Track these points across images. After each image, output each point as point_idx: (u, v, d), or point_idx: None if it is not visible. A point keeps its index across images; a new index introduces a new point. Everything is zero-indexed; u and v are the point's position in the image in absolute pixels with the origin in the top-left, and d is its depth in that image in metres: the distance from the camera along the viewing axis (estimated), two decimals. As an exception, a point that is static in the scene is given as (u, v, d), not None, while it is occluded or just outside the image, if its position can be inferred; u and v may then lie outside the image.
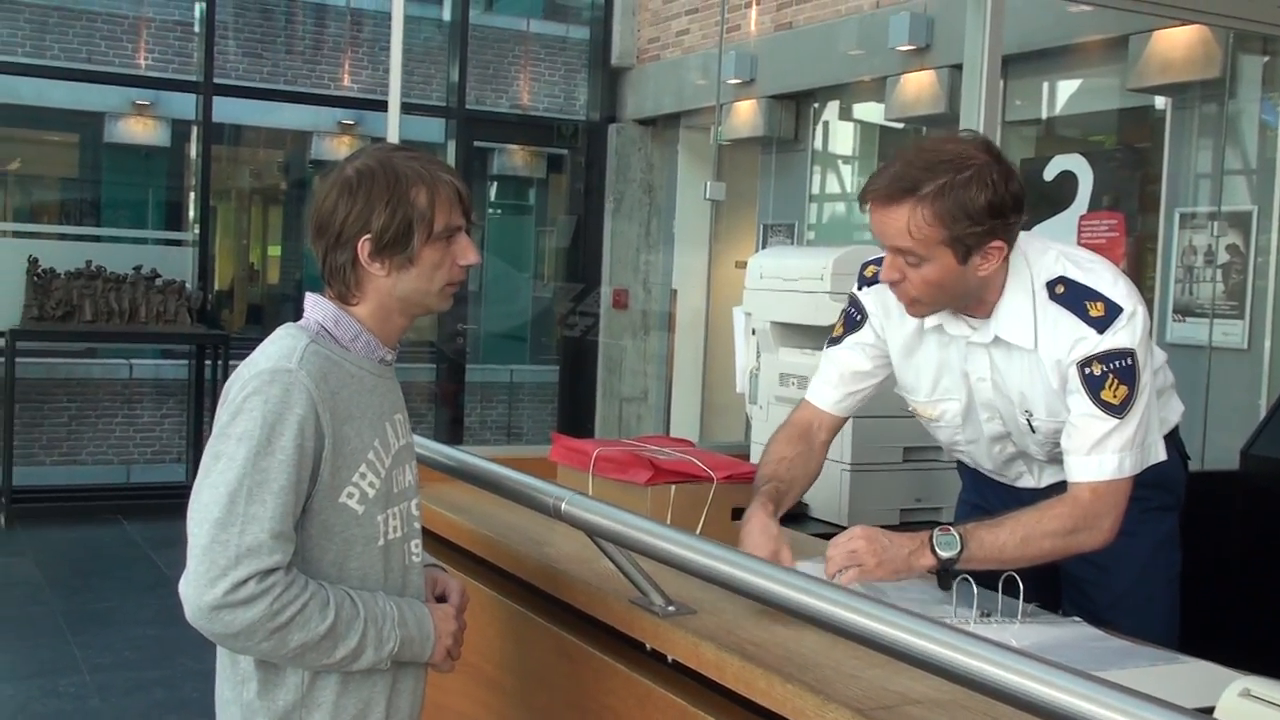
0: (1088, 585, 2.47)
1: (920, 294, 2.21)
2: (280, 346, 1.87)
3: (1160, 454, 2.30)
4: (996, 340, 2.29)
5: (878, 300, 2.44)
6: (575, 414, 9.34)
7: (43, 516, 7.82)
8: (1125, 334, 2.18)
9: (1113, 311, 2.19)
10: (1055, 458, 2.38)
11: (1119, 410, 2.18)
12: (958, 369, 2.37)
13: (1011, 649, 1.40)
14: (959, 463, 2.70)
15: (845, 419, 2.55)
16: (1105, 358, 2.17)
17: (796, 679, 1.74)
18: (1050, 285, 2.24)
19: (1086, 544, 2.20)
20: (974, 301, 2.27)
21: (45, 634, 5.54)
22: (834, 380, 2.51)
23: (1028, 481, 2.50)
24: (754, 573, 1.72)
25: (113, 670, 5.06)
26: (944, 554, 2.09)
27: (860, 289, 2.50)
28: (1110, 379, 2.17)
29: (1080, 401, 2.19)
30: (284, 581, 1.75)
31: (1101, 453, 2.18)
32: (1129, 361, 2.18)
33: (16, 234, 9.75)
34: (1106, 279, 2.24)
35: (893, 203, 2.13)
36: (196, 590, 1.74)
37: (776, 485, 2.36)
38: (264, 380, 1.81)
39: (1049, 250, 2.29)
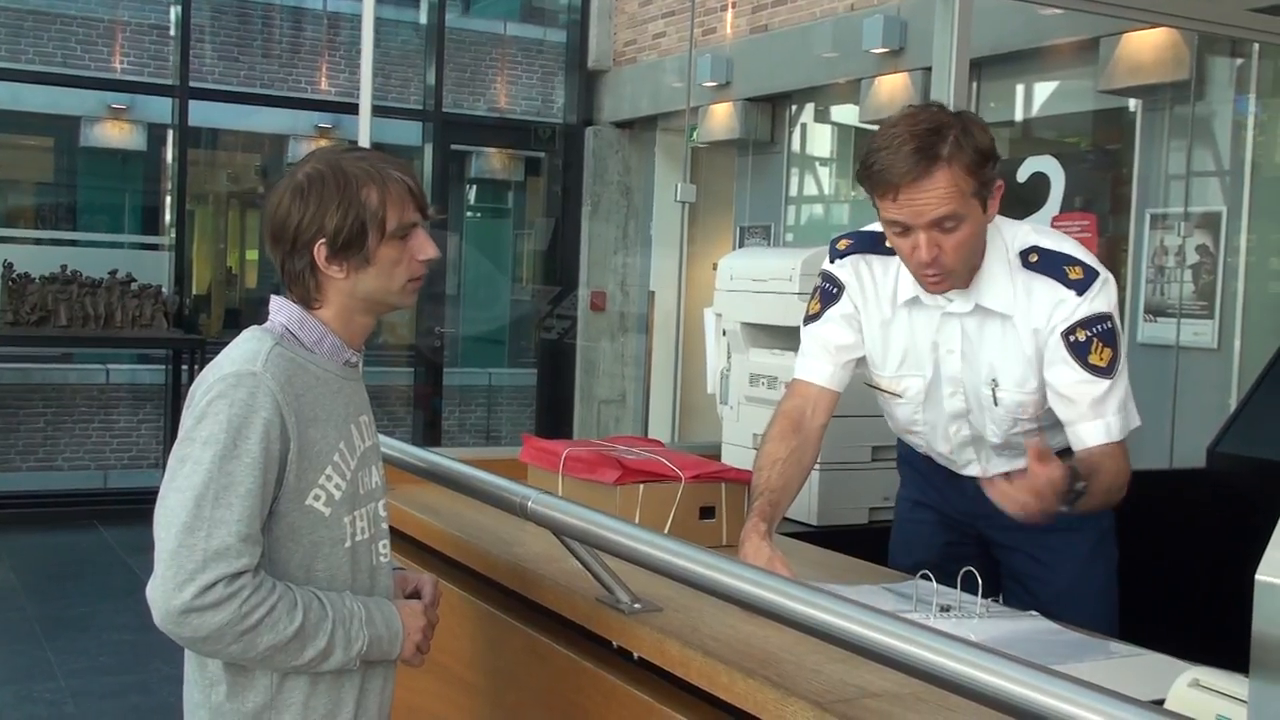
0: (1030, 580, 2.51)
1: (956, 261, 2.25)
2: (245, 350, 1.88)
3: (1137, 419, 2.37)
4: (976, 309, 2.33)
5: (852, 272, 2.47)
6: (553, 417, 9.35)
7: (19, 522, 7.80)
8: (1102, 298, 2.27)
9: (1090, 275, 2.27)
10: (1009, 443, 2.42)
11: (1107, 371, 2.26)
12: (927, 342, 2.40)
13: (970, 642, 1.42)
14: (900, 458, 2.73)
15: (838, 395, 2.52)
16: (1087, 323, 2.25)
17: (757, 674, 1.76)
18: (1024, 254, 2.31)
19: (1117, 500, 2.31)
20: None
21: (20, 640, 5.52)
22: (821, 355, 2.50)
23: (974, 470, 2.53)
24: (716, 569, 1.73)
25: (88, 676, 5.05)
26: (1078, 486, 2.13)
27: (833, 262, 2.51)
28: (1095, 343, 2.26)
29: (1068, 371, 2.27)
30: (252, 584, 1.76)
31: (1105, 415, 2.27)
32: (1109, 325, 2.27)
33: (-9, 239, 9.71)
34: (1079, 249, 2.34)
35: (927, 174, 2.17)
36: (164, 595, 1.75)
37: (770, 498, 2.36)
38: (229, 384, 1.82)
39: (1019, 225, 2.39)
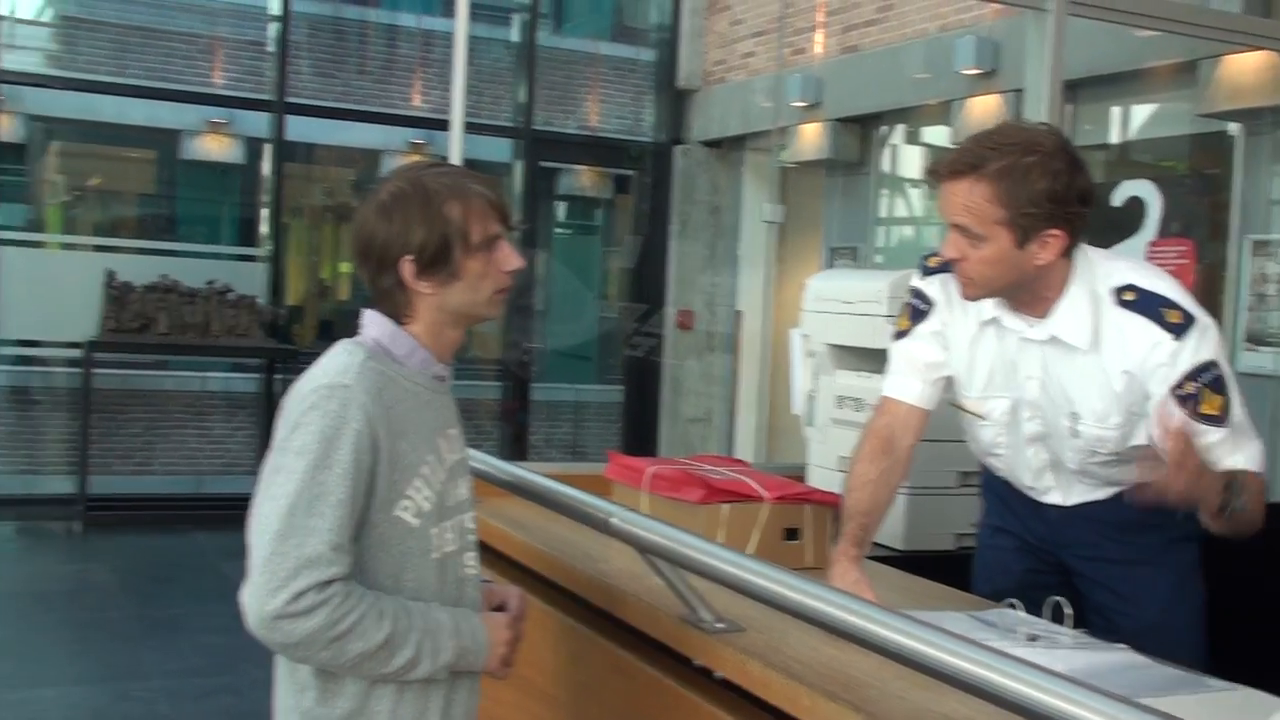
0: (1113, 614, 2.46)
1: (976, 275, 2.24)
2: (337, 362, 1.92)
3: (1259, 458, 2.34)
4: (1052, 339, 2.30)
5: (941, 290, 2.45)
6: (639, 434, 9.37)
7: (117, 525, 7.98)
8: (1205, 347, 2.23)
9: (1188, 320, 2.23)
10: (1086, 470, 2.39)
11: (1221, 420, 2.23)
12: (1011, 365, 2.38)
13: (1058, 674, 1.41)
14: (984, 484, 2.71)
15: (928, 414, 2.50)
16: (1194, 374, 2.22)
17: (840, 698, 1.76)
18: (1118, 291, 2.27)
19: (1258, 526, 2.26)
20: (1030, 296, 2.29)
21: (118, 639, 5.66)
22: (909, 372, 2.49)
23: (1055, 498, 2.49)
24: (802, 592, 1.74)
25: (181, 676, 5.16)
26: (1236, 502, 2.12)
27: (923, 278, 2.50)
28: (1204, 392, 2.22)
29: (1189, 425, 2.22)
30: (342, 592, 1.79)
31: (1233, 455, 2.24)
32: (1215, 373, 2.23)
33: (96, 248, 9.97)
34: (1177, 291, 2.28)
35: (955, 177, 2.19)
36: (258, 600, 1.79)
37: (861, 522, 2.35)
38: (321, 395, 1.86)
39: (1116, 260, 2.34)
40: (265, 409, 8.90)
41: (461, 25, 3.30)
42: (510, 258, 1.99)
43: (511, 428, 9.38)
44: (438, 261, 1.92)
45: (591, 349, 11.07)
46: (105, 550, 7.46)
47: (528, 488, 2.49)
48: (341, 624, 1.79)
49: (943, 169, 2.22)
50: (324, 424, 1.83)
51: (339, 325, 12.14)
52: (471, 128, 3.99)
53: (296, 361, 8.56)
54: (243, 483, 8.94)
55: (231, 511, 8.36)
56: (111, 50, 10.54)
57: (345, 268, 12.80)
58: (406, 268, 1.92)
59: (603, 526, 2.16)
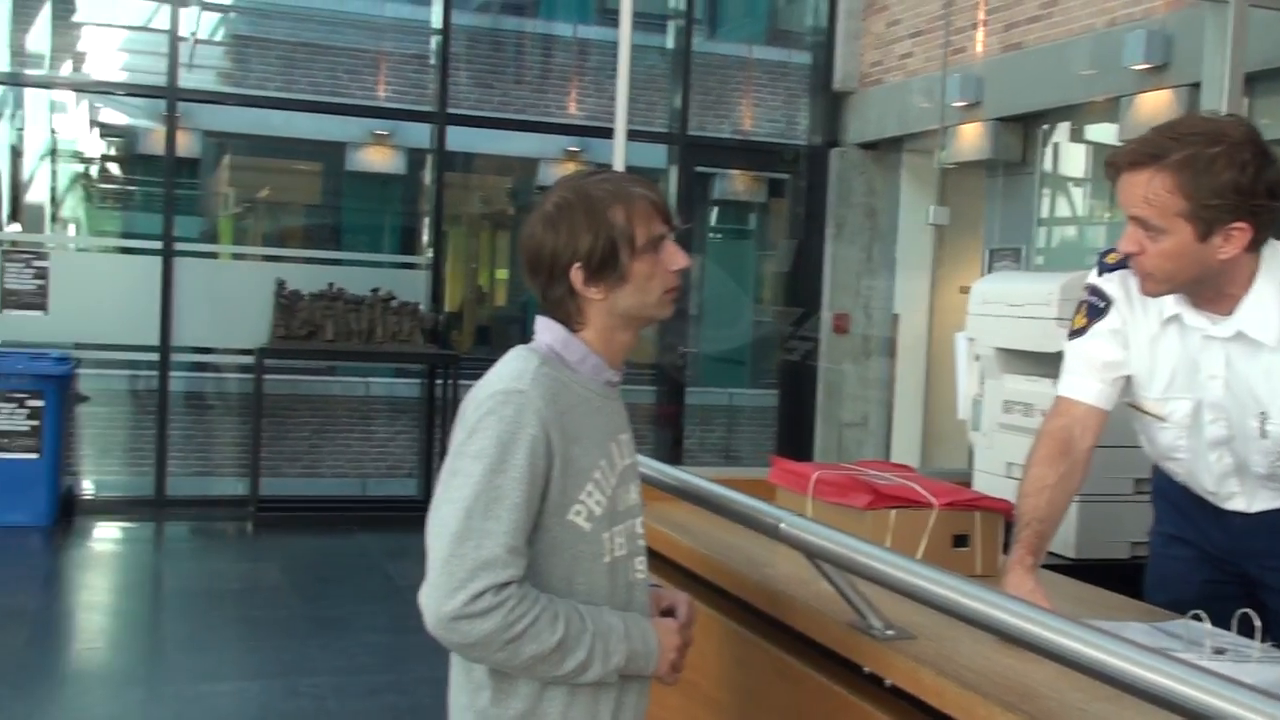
0: None
1: (1155, 269, 2.18)
2: (512, 368, 1.96)
3: None
4: (1238, 336, 2.22)
5: (1120, 286, 2.39)
6: (794, 438, 9.31)
7: (286, 525, 8.22)
8: None
9: None
10: (1275, 475, 2.29)
11: None
12: (1192, 365, 2.30)
13: (1249, 687, 1.36)
14: (1155, 490, 2.62)
15: (1107, 415, 2.42)
16: None
17: (1017, 708, 1.73)
18: None
19: None
20: (1214, 292, 2.21)
21: (288, 636, 5.84)
22: (1087, 371, 2.41)
23: (1238, 504, 2.40)
24: (980, 600, 1.71)
25: (349, 674, 5.30)
26: None
27: (1100, 275, 2.44)
28: None
29: None
30: (517, 595, 1.83)
31: None
32: None
33: (265, 258, 10.34)
34: None
35: (1136, 168, 2.13)
36: (436, 601, 1.82)
37: (1037, 529, 2.30)
38: (498, 401, 1.90)
39: None
40: (427, 413, 9.09)
41: (625, 33, 3.34)
42: (676, 257, 2.01)
43: (672, 431, 9.41)
44: (606, 266, 1.95)
45: (745, 353, 11.05)
46: (275, 550, 7.70)
47: (695, 493, 2.50)
48: (517, 626, 1.82)
49: (1122, 160, 2.17)
50: (500, 429, 1.87)
51: (495, 331, 12.37)
52: (628, 134, 4.03)
53: (457, 367, 8.73)
54: (405, 486, 9.22)
55: (394, 514, 8.66)
56: (281, 66, 10.93)
57: (502, 274, 13.04)
58: (576, 275, 1.95)
59: (771, 532, 2.16)
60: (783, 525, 2.13)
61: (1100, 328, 2.40)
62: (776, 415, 9.94)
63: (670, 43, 9.69)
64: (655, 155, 9.51)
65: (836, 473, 2.71)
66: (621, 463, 2.03)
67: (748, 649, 2.41)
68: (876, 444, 9.08)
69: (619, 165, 3.41)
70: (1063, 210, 7.92)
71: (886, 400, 9.16)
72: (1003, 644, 1.93)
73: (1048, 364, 3.04)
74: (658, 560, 2.75)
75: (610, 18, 12.23)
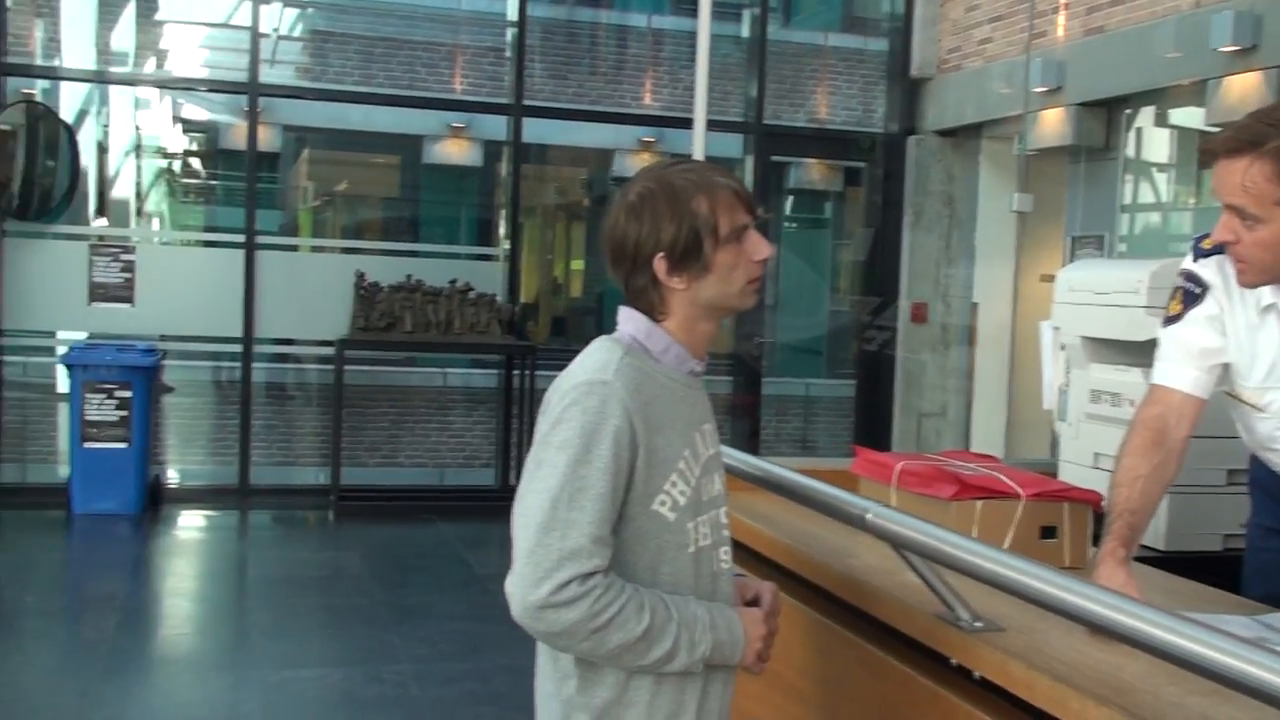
0: None
1: (1251, 258, 2.13)
2: (596, 359, 1.96)
3: None
4: None
5: (1217, 271, 2.33)
6: (872, 428, 9.25)
7: (366, 514, 8.33)
8: None
9: None
10: None
11: None
12: None
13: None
14: (1251, 480, 2.56)
15: (1204, 403, 2.36)
16: None
17: (1112, 702, 1.70)
18: None
19: None
20: None
21: (369, 624, 5.92)
22: (1183, 359, 2.36)
23: None
24: (1074, 592, 1.68)
25: (429, 661, 5.36)
26: None
27: (1196, 260, 2.38)
28: None
29: None
30: (603, 584, 1.83)
31: None
32: None
33: (344, 250, 10.45)
34: None
35: (1232, 155, 2.09)
36: (522, 590, 1.83)
37: (1129, 521, 2.25)
38: (582, 391, 1.90)
39: None
40: (504, 404, 9.15)
41: (704, 23, 3.33)
42: (760, 246, 2.00)
43: (746, 422, 9.39)
44: (689, 256, 1.94)
45: (822, 343, 10.99)
46: (355, 539, 7.80)
47: (781, 484, 2.49)
48: (602, 615, 1.82)
49: (1219, 146, 2.12)
50: (585, 419, 1.87)
51: (571, 321, 12.42)
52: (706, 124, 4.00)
53: (534, 358, 8.77)
54: (482, 475, 9.29)
55: (472, 503, 8.74)
56: (359, 61, 11.05)
57: (577, 265, 13.08)
58: (659, 265, 1.95)
59: (857, 522, 2.14)
60: (869, 516, 2.11)
61: (1196, 314, 2.35)
62: (854, 405, 9.88)
63: (745, 31, 9.64)
64: (731, 145, 9.48)
65: (921, 463, 2.68)
66: (705, 452, 2.03)
67: (831, 639, 2.40)
68: (956, 434, 8.99)
69: (698, 155, 3.40)
70: (1146, 197, 7.78)
71: (966, 390, 9.06)
72: (1094, 637, 1.91)
73: (1135, 353, 3.00)
74: (740, 550, 2.74)
75: (685, 7, 12.21)
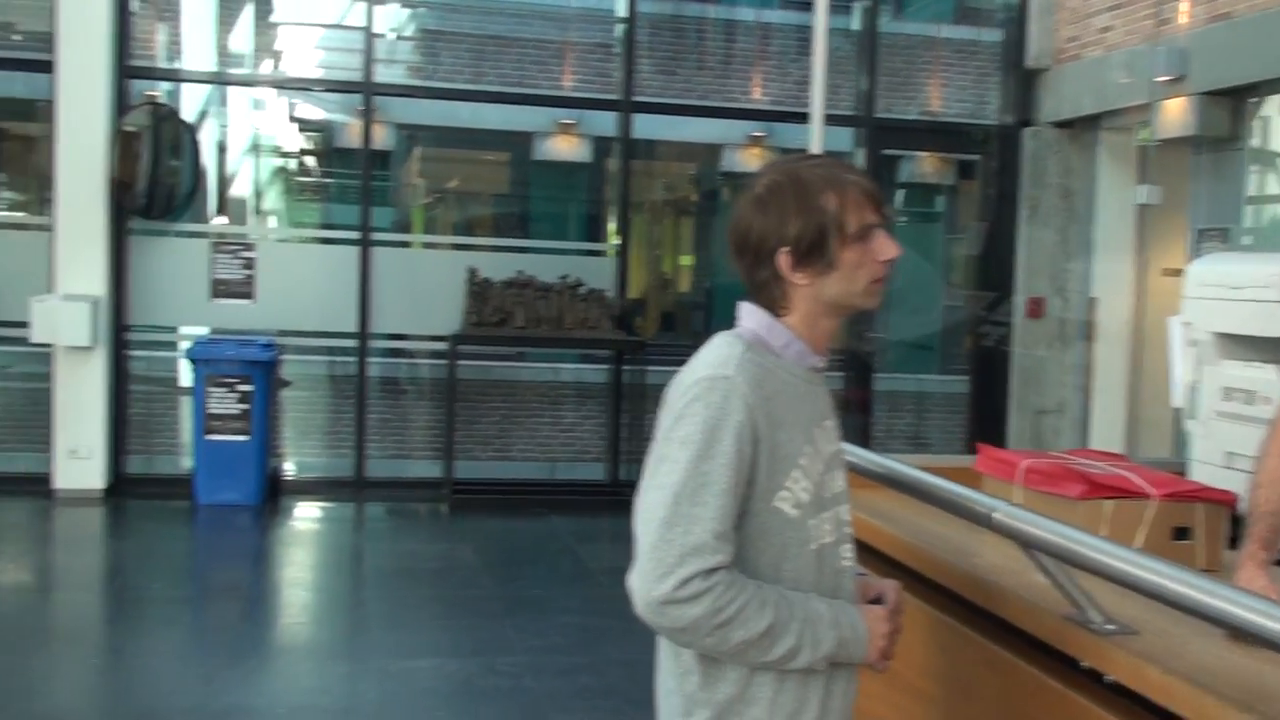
0: None
1: None
2: (718, 354, 1.95)
3: None
4: None
5: None
6: (986, 425, 9.09)
7: (479, 507, 8.41)
8: None
9: None
10: None
11: None
12: None
13: None
14: None
15: None
16: None
17: (1255, 709, 1.65)
18: None
19: None
20: None
21: (485, 615, 5.98)
22: None
23: None
24: (1211, 594, 1.64)
25: (544, 654, 5.40)
26: None
27: None
28: None
29: None
30: (726, 580, 1.82)
31: None
32: None
33: (456, 246, 10.57)
34: None
35: None
36: (645, 585, 1.83)
37: (1271, 523, 2.20)
38: (704, 387, 1.89)
39: None
40: (614, 399, 9.18)
41: (821, 17, 3.30)
42: (887, 246, 1.97)
43: (858, 418, 9.30)
44: (813, 252, 1.93)
45: (934, 338, 10.84)
46: (468, 531, 7.90)
47: (902, 480, 2.46)
48: (725, 611, 1.82)
49: None
50: (707, 415, 1.86)
51: (680, 317, 12.42)
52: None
53: (643, 353, 8.78)
54: (592, 470, 9.33)
55: (583, 497, 8.79)
56: (469, 59, 11.18)
57: (686, 260, 13.08)
58: (783, 259, 1.93)
59: (983, 521, 2.11)
60: (996, 514, 2.08)
61: None
62: (967, 402, 9.73)
63: (856, 24, 9.54)
64: (841, 138, 9.39)
65: (1046, 461, 2.63)
66: (827, 449, 2.01)
67: (955, 639, 2.36)
68: (1074, 432, 8.80)
69: (815, 149, 3.37)
70: (1273, 188, 7.54)
71: (1084, 386, 8.86)
72: (1234, 642, 1.86)
73: (1271, 349, 2.91)
74: (859, 548, 2.72)
75: (794, 1, 12.14)
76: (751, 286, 2.01)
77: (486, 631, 5.72)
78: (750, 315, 2.02)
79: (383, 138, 10.79)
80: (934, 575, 2.50)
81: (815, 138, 3.37)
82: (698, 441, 1.86)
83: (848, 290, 1.97)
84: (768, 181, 1.98)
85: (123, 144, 7.98)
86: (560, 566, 7.03)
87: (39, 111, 9.32)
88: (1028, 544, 2.02)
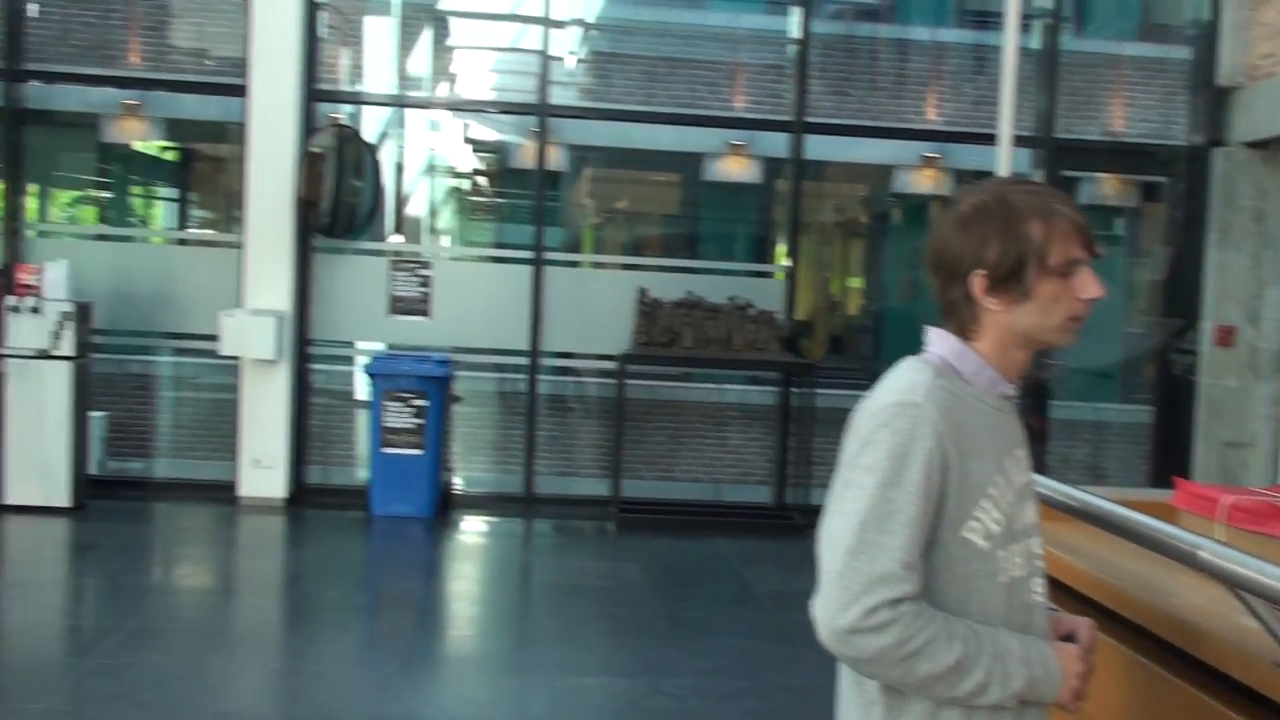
0: None
1: None
2: (906, 379, 1.91)
3: None
4: None
5: None
6: (1169, 458, 8.74)
7: (645, 527, 8.42)
8: None
9: None
10: None
11: None
12: None
13: None
14: None
15: None
16: None
17: None
18: None
19: None
20: None
21: (651, 635, 5.98)
22: None
23: None
24: None
25: (709, 676, 5.37)
26: None
27: None
28: None
29: None
30: (913, 611, 1.79)
31: None
32: None
33: (625, 266, 10.66)
34: None
35: None
36: (830, 614, 1.80)
37: None
38: (892, 413, 1.86)
39: None
40: (781, 421, 9.11)
41: (1011, 36, 3.22)
42: (1090, 284, 1.91)
43: (1033, 446, 9.05)
44: (1010, 279, 1.88)
45: (1115, 366, 10.49)
46: (635, 550, 7.91)
47: (1098, 515, 2.37)
48: (912, 643, 1.78)
49: None
50: (895, 441, 1.83)
51: (848, 340, 12.30)
52: (989, 138, 3.89)
53: (811, 376, 8.71)
54: (758, 492, 9.28)
55: (749, 520, 8.72)
56: (641, 81, 11.28)
57: (855, 283, 12.96)
58: (977, 281, 1.89)
59: (1188, 559, 2.02)
60: (1201, 553, 1.98)
61: None
62: (1149, 433, 9.38)
63: (1036, 43, 9.33)
64: (1019, 159, 9.15)
65: (1252, 498, 2.51)
66: (1018, 479, 1.96)
67: (1153, 682, 2.26)
68: (1265, 466, 8.40)
69: (1002, 171, 3.29)
70: None
71: (1278, 418, 8.46)
72: None
73: None
74: (1048, 583, 2.64)
75: (969, 20, 11.93)
76: (942, 305, 1.97)
77: (653, 651, 5.72)
78: (940, 341, 1.97)
79: (555, 158, 10.97)
80: (1130, 614, 2.40)
81: (1003, 160, 3.29)
82: (885, 468, 1.82)
83: (1041, 324, 1.91)
84: (975, 201, 1.93)
85: (309, 164, 8.26)
86: (725, 589, 7.00)
87: (229, 133, 9.75)
88: (1237, 585, 1.93)
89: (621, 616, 6.36)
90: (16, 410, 7.69)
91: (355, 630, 6.10)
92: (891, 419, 1.85)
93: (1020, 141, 9.03)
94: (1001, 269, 1.88)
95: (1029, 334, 1.92)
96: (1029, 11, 9.33)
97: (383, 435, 8.21)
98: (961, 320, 1.95)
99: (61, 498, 7.75)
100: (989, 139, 9.13)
